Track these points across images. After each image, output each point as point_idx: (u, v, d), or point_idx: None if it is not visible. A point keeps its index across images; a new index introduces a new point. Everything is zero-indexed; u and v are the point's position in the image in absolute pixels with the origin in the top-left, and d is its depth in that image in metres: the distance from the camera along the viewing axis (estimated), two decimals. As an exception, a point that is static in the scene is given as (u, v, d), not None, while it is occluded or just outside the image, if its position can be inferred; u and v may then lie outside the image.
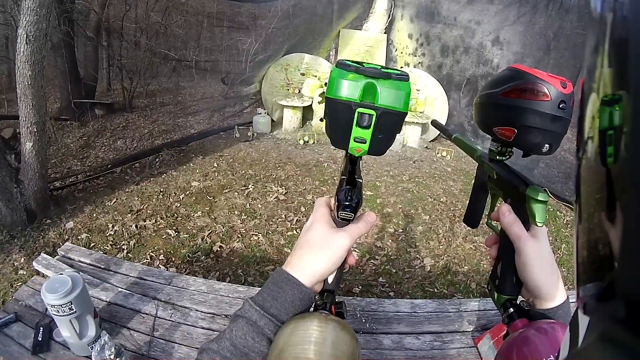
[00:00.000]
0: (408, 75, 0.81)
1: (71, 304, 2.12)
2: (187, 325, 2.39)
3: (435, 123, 1.64)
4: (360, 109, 0.78)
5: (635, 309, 0.33)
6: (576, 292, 0.45)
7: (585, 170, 0.42)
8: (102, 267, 2.96)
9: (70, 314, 2.15)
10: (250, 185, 6.17)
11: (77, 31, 9.91)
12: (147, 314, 2.50)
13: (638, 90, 0.33)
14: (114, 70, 11.70)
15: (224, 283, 2.64)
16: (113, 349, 2.02)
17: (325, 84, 0.85)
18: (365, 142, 0.81)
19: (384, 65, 0.84)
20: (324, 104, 0.84)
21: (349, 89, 0.78)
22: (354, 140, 0.81)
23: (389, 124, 0.81)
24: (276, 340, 0.77)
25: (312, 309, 0.88)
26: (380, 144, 0.83)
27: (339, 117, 0.80)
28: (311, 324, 0.77)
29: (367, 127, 0.79)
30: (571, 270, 4.63)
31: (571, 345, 0.57)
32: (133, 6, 10.64)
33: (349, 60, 0.82)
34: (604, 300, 0.37)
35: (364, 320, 2.51)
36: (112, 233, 5.18)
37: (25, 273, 4.82)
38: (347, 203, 0.88)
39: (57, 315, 2.16)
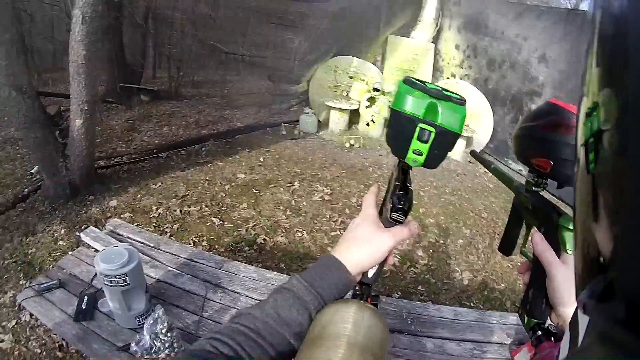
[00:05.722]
0: (465, 100, 0.88)
1: (126, 275, 2.18)
2: (237, 309, 2.42)
3: (474, 154, 1.67)
4: (422, 125, 0.86)
5: (635, 309, 0.33)
6: (576, 292, 0.47)
7: (578, 177, 0.44)
8: (152, 245, 3.03)
9: (123, 286, 2.21)
10: (296, 183, 6.17)
11: (126, 17, 10.08)
12: (196, 294, 2.55)
13: (624, 86, 0.34)
14: (161, 59, 11.85)
15: (275, 272, 2.68)
16: (165, 324, 2.05)
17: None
18: (422, 155, 0.89)
19: (442, 87, 0.89)
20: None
21: (414, 105, 0.86)
22: (412, 152, 0.89)
23: (445, 142, 0.88)
24: (318, 317, 0.84)
25: (350, 296, 0.95)
26: (434, 159, 0.90)
27: (402, 129, 0.88)
28: (351, 307, 0.84)
29: (426, 142, 0.87)
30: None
31: (571, 345, 0.60)
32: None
33: (414, 78, 0.89)
34: (604, 300, 0.38)
35: (409, 322, 2.52)
36: (156, 215, 5.26)
37: (64, 244, 4.94)
38: (400, 206, 0.95)
39: (109, 286, 2.22)
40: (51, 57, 15.15)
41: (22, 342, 3.85)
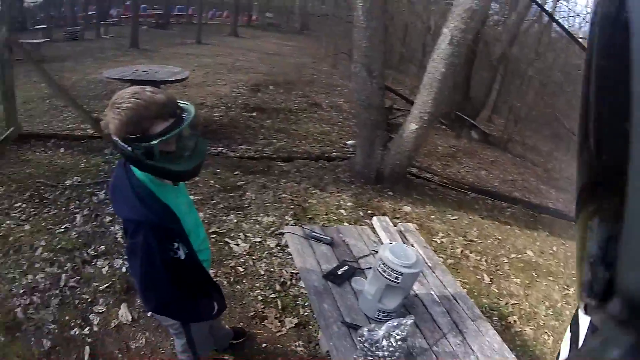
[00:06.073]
0: None
1: (401, 275, 2.19)
2: (462, 362, 2.29)
3: None
4: None
5: (635, 309, 0.35)
6: (577, 292, 0.47)
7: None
8: (429, 265, 3.08)
9: (391, 282, 2.23)
10: (571, 289, 5.53)
11: (480, 53, 10.29)
12: (439, 327, 2.49)
13: None
14: (502, 106, 11.85)
15: (513, 356, 2.46)
16: (404, 334, 2.05)
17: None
18: None
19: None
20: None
21: None
22: None
23: None
24: None
25: None
26: None
27: None
28: None
29: None
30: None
31: (572, 345, 0.64)
32: (543, 56, 10.52)
33: None
34: (604, 300, 0.39)
35: None
36: (438, 242, 5.28)
37: (344, 214, 5.25)
38: None
39: (380, 274, 2.26)
40: (397, 58, 16.24)
41: (254, 257, 4.28)
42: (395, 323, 2.07)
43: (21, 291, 3.62)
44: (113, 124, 1.59)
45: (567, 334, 0.70)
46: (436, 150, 8.62)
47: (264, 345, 3.42)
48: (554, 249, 6.40)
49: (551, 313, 4.87)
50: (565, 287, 5.50)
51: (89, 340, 3.27)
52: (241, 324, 3.59)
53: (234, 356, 3.29)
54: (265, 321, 3.63)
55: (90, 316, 3.46)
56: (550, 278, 5.49)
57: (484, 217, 6.32)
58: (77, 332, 3.31)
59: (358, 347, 2.12)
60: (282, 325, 3.61)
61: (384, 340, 2.05)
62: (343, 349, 2.22)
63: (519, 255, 5.62)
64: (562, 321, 4.88)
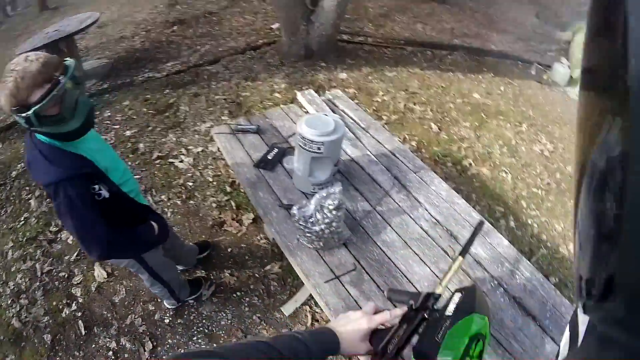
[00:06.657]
0: None
1: (322, 144, 2.10)
2: (411, 217, 2.24)
3: None
4: None
5: (633, 308, 0.35)
6: (576, 292, 0.47)
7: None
8: (362, 126, 2.95)
9: (315, 153, 2.14)
10: (524, 125, 5.63)
11: None
12: (381, 186, 2.41)
13: None
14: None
15: (463, 201, 2.40)
16: (336, 202, 1.94)
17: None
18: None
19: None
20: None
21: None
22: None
23: None
24: None
25: None
26: None
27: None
28: None
29: None
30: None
31: (571, 344, 0.61)
32: None
33: None
34: (603, 300, 0.39)
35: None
36: (379, 101, 5.24)
37: (279, 97, 5.14)
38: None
39: (303, 148, 2.17)
40: None
41: (199, 168, 4.24)
42: (324, 194, 1.96)
43: (9, 301, 3.56)
44: (1, 99, 1.60)
45: (566, 333, 0.67)
46: (367, 14, 8.34)
47: (229, 249, 3.48)
48: (502, 89, 6.40)
49: (506, 151, 4.91)
50: (517, 124, 5.52)
51: (79, 314, 3.28)
52: (203, 237, 3.62)
53: (205, 270, 3.34)
54: (225, 226, 3.67)
55: (72, 290, 3.46)
56: (501, 117, 5.49)
57: (424, 68, 6.22)
58: (67, 313, 3.31)
59: (296, 226, 2.05)
60: (240, 224, 3.64)
61: (317, 213, 1.97)
62: (286, 232, 2.18)
63: (465, 99, 5.59)
64: (519, 157, 4.93)
